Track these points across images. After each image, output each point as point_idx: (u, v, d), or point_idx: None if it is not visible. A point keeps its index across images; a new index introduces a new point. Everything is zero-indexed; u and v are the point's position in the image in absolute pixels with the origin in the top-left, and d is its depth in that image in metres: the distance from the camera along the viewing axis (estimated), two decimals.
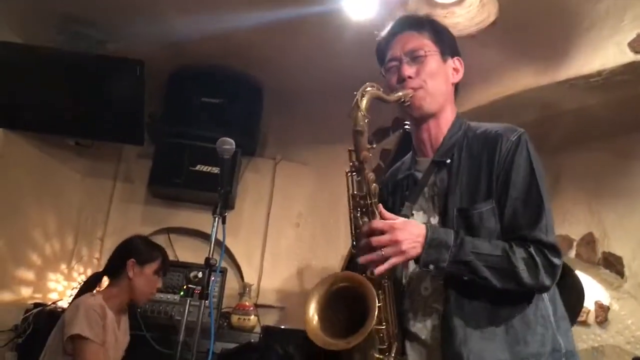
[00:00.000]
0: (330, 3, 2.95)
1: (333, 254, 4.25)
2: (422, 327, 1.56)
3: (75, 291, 3.68)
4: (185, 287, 3.63)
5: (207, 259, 2.37)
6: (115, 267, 2.75)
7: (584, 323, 3.31)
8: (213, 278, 2.40)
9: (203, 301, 2.37)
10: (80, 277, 4.03)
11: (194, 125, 3.94)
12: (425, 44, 1.67)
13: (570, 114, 3.27)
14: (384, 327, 1.52)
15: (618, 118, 3.21)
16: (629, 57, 2.68)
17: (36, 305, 3.48)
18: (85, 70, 3.43)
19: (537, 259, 1.44)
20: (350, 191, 1.57)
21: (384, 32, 1.75)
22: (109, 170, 4.31)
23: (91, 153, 4.15)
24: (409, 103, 1.61)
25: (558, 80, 3.02)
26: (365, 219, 1.53)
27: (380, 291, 1.51)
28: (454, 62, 1.73)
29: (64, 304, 3.61)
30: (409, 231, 1.45)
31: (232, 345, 3.48)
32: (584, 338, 3.30)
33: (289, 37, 3.44)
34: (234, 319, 3.81)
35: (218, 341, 3.41)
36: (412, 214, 1.66)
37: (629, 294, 3.19)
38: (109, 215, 4.23)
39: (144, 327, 3.35)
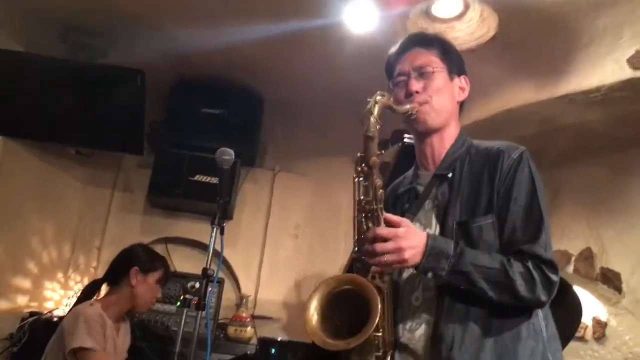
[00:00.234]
0: (332, 16, 2.97)
1: (331, 265, 4.24)
2: (411, 337, 1.57)
3: (71, 300, 3.68)
4: (182, 297, 3.61)
5: (205, 270, 2.36)
6: (116, 274, 2.73)
7: (582, 339, 3.29)
8: (210, 288, 2.40)
9: (200, 312, 2.36)
10: (77, 285, 4.02)
11: (193, 136, 3.96)
12: (433, 61, 1.71)
13: (569, 129, 3.29)
14: (380, 334, 1.52)
15: (617, 134, 3.22)
16: (628, 73, 2.70)
17: (32, 313, 3.46)
18: (86, 79, 3.44)
19: (535, 273, 1.45)
20: (357, 195, 1.60)
21: (394, 48, 1.79)
22: (108, 179, 4.31)
23: (91, 162, 4.16)
24: (414, 117, 1.65)
25: (557, 95, 3.03)
26: (370, 224, 1.55)
27: (380, 297, 1.52)
28: (461, 81, 1.77)
29: (60, 312, 3.60)
30: (411, 239, 1.48)
31: (228, 357, 3.48)
32: (581, 354, 3.29)
33: (290, 50, 3.46)
34: (231, 330, 3.79)
35: (214, 352, 3.41)
36: None
37: (626, 310, 3.18)
38: (107, 224, 4.23)
39: (141, 337, 3.34)
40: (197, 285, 3.53)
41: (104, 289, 2.82)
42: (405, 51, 1.75)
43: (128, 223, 4.22)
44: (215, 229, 2.41)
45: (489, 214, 1.54)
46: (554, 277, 1.47)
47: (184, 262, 4.08)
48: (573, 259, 3.50)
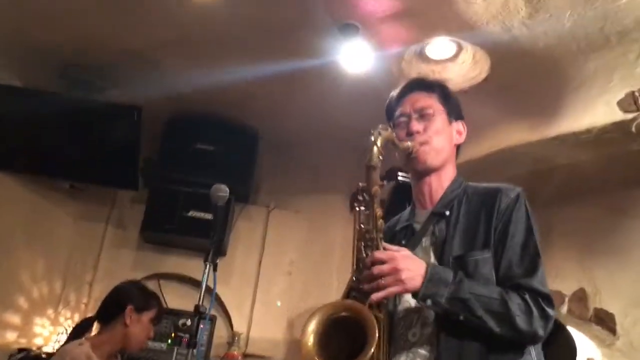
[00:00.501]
0: (327, 56, 3.02)
1: (324, 302, 4.19)
2: None
3: (61, 337, 3.62)
4: (173, 335, 3.57)
5: (197, 307, 2.34)
6: (109, 312, 2.64)
7: None
8: (202, 326, 2.37)
9: (191, 350, 2.33)
10: (67, 322, 3.97)
11: (188, 172, 3.97)
12: (434, 104, 1.77)
13: (562, 169, 3.32)
14: None
15: (608, 174, 3.26)
16: (619, 115, 2.75)
17: (20, 350, 3.41)
18: (82, 114, 3.47)
19: (532, 306, 1.46)
20: (357, 224, 1.62)
21: (395, 90, 1.85)
22: (101, 214, 4.30)
23: (85, 196, 4.15)
24: (414, 156, 1.70)
25: (549, 136, 3.08)
26: (369, 252, 1.57)
27: (378, 326, 1.51)
28: (458, 125, 1.82)
29: (49, 349, 3.55)
30: (410, 262, 1.50)
31: None
32: None
33: (285, 88, 3.50)
34: None
35: None
36: None
37: (620, 352, 3.15)
38: (100, 259, 4.20)
39: None
40: (189, 322, 3.50)
41: (95, 326, 2.77)
42: (407, 94, 1.81)
43: (121, 258, 4.20)
44: (208, 265, 2.40)
45: (485, 249, 1.57)
46: (551, 312, 1.48)
47: (176, 298, 4.04)
48: (566, 299, 3.49)
